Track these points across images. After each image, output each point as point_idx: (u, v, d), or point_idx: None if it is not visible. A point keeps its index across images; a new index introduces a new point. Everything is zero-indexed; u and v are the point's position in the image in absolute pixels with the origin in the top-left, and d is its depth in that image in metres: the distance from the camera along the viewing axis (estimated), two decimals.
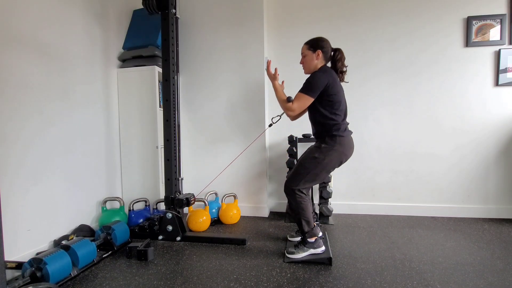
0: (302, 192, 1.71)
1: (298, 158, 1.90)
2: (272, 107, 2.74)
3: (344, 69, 1.78)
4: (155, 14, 2.08)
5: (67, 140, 2.00)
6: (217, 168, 2.66)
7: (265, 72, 2.59)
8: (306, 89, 1.67)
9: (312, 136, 2.50)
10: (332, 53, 1.78)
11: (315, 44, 1.75)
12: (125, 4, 2.63)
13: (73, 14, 2.07)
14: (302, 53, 1.80)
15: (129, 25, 2.63)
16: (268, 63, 1.89)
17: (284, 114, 1.96)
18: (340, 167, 1.80)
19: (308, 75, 1.75)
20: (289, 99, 1.76)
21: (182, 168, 2.70)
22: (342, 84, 1.78)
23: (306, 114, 1.90)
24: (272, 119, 2.21)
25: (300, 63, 1.83)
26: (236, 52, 2.60)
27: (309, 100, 1.68)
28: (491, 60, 2.40)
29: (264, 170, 2.62)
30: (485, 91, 2.42)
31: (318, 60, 1.74)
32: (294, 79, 2.69)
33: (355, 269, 1.57)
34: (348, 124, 1.78)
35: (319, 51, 1.73)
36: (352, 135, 1.77)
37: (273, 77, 1.86)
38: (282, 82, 1.91)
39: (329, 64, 1.80)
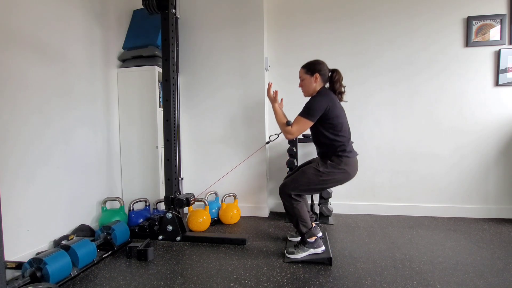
0: (297, 196, 1.71)
1: (301, 163, 1.92)
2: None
3: (343, 89, 1.80)
4: (155, 14, 2.08)
5: (67, 140, 2.00)
6: (217, 168, 2.67)
7: (264, 74, 2.60)
8: (306, 113, 1.69)
9: (308, 136, 2.51)
10: (329, 74, 1.80)
11: (312, 68, 1.77)
12: (125, 4, 2.63)
13: (73, 14, 2.07)
14: (300, 77, 1.83)
15: (129, 25, 2.63)
16: (269, 85, 1.92)
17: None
18: None
19: (308, 98, 1.77)
20: (288, 123, 1.78)
21: (182, 168, 2.70)
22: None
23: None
24: (270, 136, 2.26)
25: (299, 86, 1.86)
26: (236, 52, 2.60)
27: (308, 124, 1.70)
28: (491, 60, 2.40)
29: (264, 170, 2.62)
30: (485, 91, 2.42)
31: (316, 83, 1.77)
32: (294, 79, 2.69)
33: (355, 269, 1.57)
34: (353, 143, 1.79)
35: (317, 74, 1.75)
36: (357, 156, 1.77)
37: (273, 100, 1.89)
38: (281, 100, 1.95)
39: (328, 85, 1.83)
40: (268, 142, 2.26)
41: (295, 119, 1.73)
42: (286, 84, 2.70)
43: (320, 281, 1.46)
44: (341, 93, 1.80)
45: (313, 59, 1.81)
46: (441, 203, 2.51)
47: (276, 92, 1.90)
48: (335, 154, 1.70)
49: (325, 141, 1.72)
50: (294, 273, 1.54)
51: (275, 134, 2.16)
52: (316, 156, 1.92)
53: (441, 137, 2.50)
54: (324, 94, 1.71)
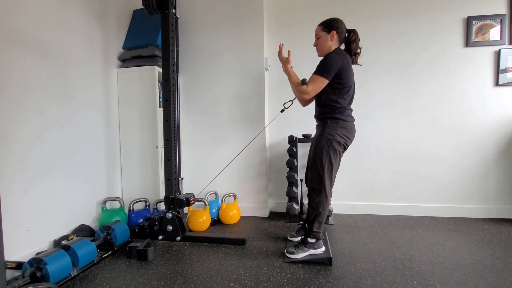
0: (327, 194, 1.69)
1: (309, 152, 1.87)
2: (272, 107, 2.74)
3: (359, 50, 1.75)
4: (155, 14, 2.08)
5: (67, 140, 2.00)
6: (217, 167, 2.66)
7: (264, 74, 2.60)
8: (321, 70, 1.64)
9: (312, 137, 2.51)
10: (346, 34, 1.75)
11: (330, 25, 1.71)
12: (125, 4, 2.63)
13: (73, 14, 2.07)
14: (316, 35, 1.77)
15: (129, 25, 2.63)
16: (280, 46, 1.82)
17: (296, 99, 1.93)
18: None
19: (321, 58, 1.71)
20: (303, 82, 1.72)
21: (182, 168, 2.70)
22: (355, 67, 1.76)
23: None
24: (284, 104, 2.17)
25: (314, 45, 1.80)
26: (236, 52, 2.60)
27: (324, 82, 1.65)
28: (491, 60, 2.40)
29: (264, 170, 2.62)
30: (485, 91, 2.42)
31: (332, 42, 1.71)
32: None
33: (355, 269, 1.57)
34: (352, 110, 1.75)
35: (334, 32, 1.70)
36: (355, 123, 1.75)
37: (285, 61, 1.80)
38: (291, 67, 1.83)
39: (342, 47, 1.78)
40: (282, 110, 2.16)
41: (310, 78, 1.68)
42: (286, 83, 2.70)
43: (320, 281, 1.46)
44: (357, 54, 1.75)
45: (331, 17, 1.76)
46: (441, 203, 2.51)
47: (289, 52, 1.83)
48: (331, 116, 1.67)
49: (326, 102, 1.69)
50: (294, 273, 1.54)
51: (289, 101, 2.07)
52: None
53: (441, 137, 2.50)
54: (340, 52, 1.67)
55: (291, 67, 1.82)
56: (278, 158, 2.74)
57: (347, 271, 1.55)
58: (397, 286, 1.40)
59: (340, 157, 1.71)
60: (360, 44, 1.77)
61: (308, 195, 1.79)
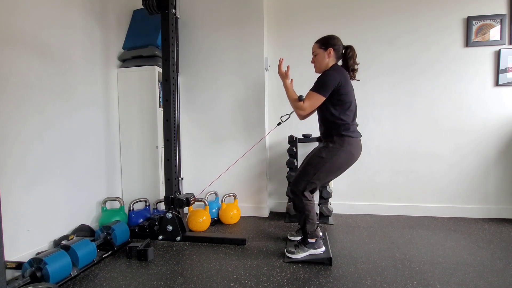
0: (308, 196, 1.70)
1: (305, 157, 1.87)
2: (272, 107, 2.74)
3: (356, 66, 1.77)
4: (155, 14, 2.08)
5: (68, 140, 2.01)
6: (217, 168, 2.67)
7: (264, 74, 2.60)
8: (318, 88, 1.66)
9: (312, 137, 2.51)
10: (343, 50, 1.77)
11: (326, 42, 1.73)
12: (125, 4, 2.63)
13: (73, 14, 2.07)
14: (313, 52, 1.79)
15: (129, 25, 2.63)
16: (280, 61, 1.86)
17: (294, 112, 1.95)
18: None
19: (319, 74, 1.73)
20: (300, 98, 1.73)
21: (182, 168, 2.70)
22: (353, 82, 1.77)
23: (315, 115, 1.88)
24: (281, 117, 2.19)
25: (311, 62, 1.82)
26: (236, 52, 2.60)
27: (320, 100, 1.66)
28: (491, 60, 2.40)
29: (264, 170, 2.62)
30: (485, 91, 2.42)
31: (329, 59, 1.73)
32: (295, 79, 2.68)
33: (355, 269, 1.57)
34: (357, 125, 1.76)
35: (331, 49, 1.72)
36: (361, 138, 1.75)
37: (284, 76, 1.83)
38: (291, 80, 1.86)
39: (340, 63, 1.80)
40: (279, 123, 2.17)
41: (307, 95, 1.69)
42: None
43: (320, 281, 1.46)
44: (354, 70, 1.77)
45: (327, 34, 1.78)
46: (441, 203, 2.51)
47: (288, 67, 1.85)
48: (337, 133, 1.68)
49: (330, 118, 1.69)
50: (294, 273, 1.54)
51: (287, 114, 2.09)
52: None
53: (441, 137, 2.50)
54: (337, 69, 1.69)
55: (291, 80, 1.84)
56: (278, 158, 2.74)
57: (347, 271, 1.55)
58: (397, 286, 1.40)
59: (334, 173, 1.69)
60: (360, 45, 1.79)
61: (292, 198, 1.77)
